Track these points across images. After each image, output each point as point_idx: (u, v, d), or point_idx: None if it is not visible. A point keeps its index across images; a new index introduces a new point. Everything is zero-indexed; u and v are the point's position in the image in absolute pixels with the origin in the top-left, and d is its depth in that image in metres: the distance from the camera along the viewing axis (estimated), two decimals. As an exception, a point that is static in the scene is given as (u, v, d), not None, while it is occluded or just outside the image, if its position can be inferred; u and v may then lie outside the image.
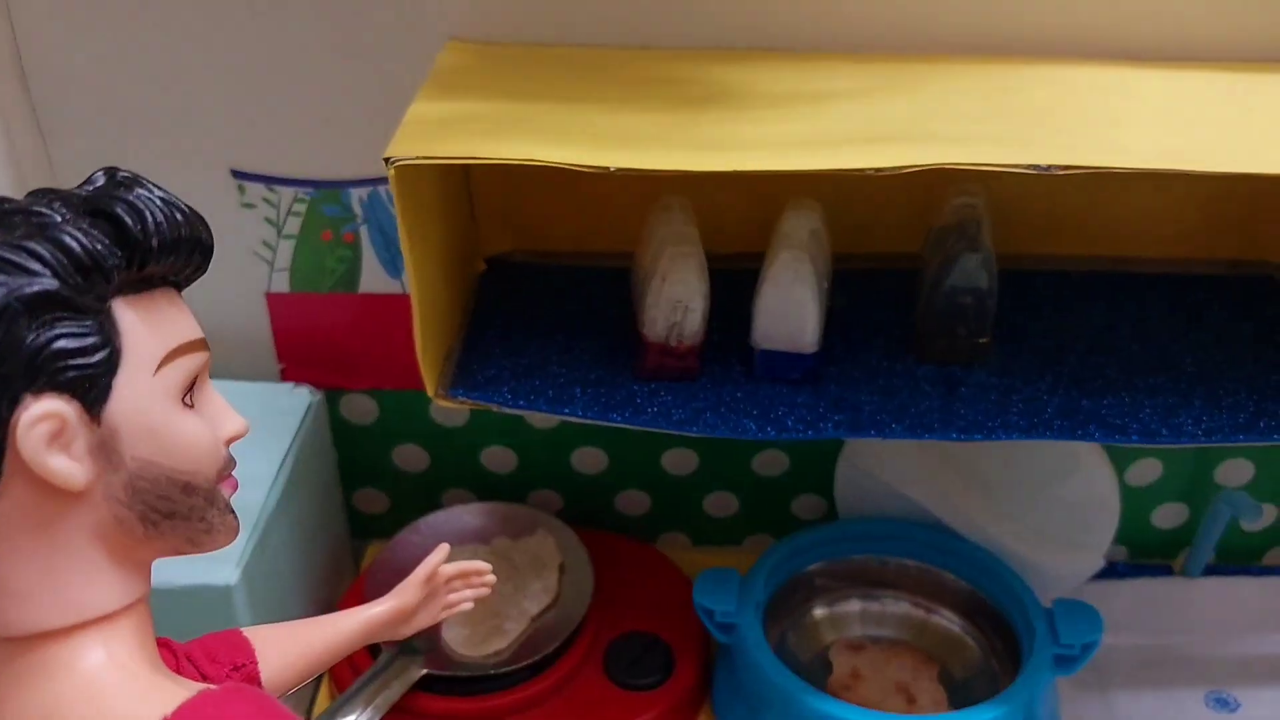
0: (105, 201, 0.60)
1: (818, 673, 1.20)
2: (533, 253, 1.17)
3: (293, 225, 1.19)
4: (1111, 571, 1.30)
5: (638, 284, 1.03)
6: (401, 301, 1.21)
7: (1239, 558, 1.38)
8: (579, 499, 1.38)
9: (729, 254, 1.06)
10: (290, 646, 0.88)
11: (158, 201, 0.61)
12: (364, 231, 1.18)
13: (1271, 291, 1.12)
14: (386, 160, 0.82)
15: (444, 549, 0.97)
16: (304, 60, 1.08)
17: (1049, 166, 0.79)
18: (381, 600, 0.95)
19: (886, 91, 0.96)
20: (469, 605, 1.00)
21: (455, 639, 1.18)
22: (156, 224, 0.60)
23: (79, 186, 0.62)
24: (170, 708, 0.59)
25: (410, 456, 1.35)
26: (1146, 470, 1.31)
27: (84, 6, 1.06)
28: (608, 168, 0.81)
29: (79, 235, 0.58)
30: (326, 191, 1.16)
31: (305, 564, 1.23)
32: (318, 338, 1.27)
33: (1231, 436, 0.95)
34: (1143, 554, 1.38)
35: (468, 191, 1.11)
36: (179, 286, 0.65)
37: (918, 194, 1.08)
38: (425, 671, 1.13)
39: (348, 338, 1.26)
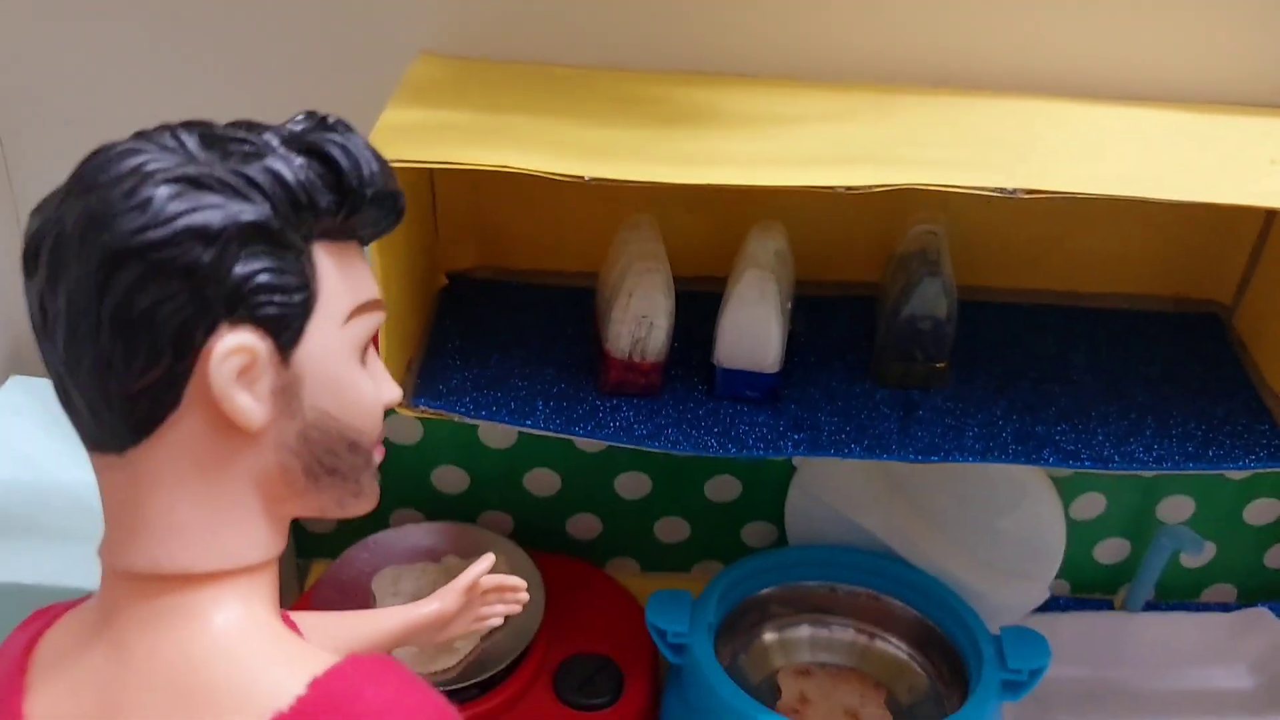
0: (320, 141, 0.58)
1: (766, 697, 1.20)
2: (495, 269, 1.17)
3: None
4: (1054, 605, 1.32)
5: (603, 300, 1.03)
6: (360, 314, 1.20)
7: (1178, 594, 1.40)
8: (530, 522, 1.37)
9: (693, 276, 1.07)
10: (337, 634, 0.87)
11: (370, 150, 0.59)
12: (325, 243, 1.17)
13: (1218, 328, 1.15)
14: (360, 162, 0.82)
15: (489, 559, 0.96)
16: (272, 69, 1.08)
17: (1014, 190, 0.82)
18: (425, 602, 0.94)
19: (855, 117, 0.97)
20: (499, 620, 0.99)
21: (404, 655, 1.16)
22: (371, 173, 0.58)
23: (279, 125, 0.59)
24: (317, 671, 0.57)
25: (360, 474, 1.33)
26: (1091, 504, 1.33)
27: (48, 20, 1.05)
28: (582, 176, 0.82)
29: (296, 169, 0.56)
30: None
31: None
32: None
33: (1181, 464, 0.98)
34: (1085, 588, 1.40)
35: (433, 205, 1.11)
36: (363, 243, 0.62)
37: (880, 220, 1.10)
38: (372, 688, 1.11)
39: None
